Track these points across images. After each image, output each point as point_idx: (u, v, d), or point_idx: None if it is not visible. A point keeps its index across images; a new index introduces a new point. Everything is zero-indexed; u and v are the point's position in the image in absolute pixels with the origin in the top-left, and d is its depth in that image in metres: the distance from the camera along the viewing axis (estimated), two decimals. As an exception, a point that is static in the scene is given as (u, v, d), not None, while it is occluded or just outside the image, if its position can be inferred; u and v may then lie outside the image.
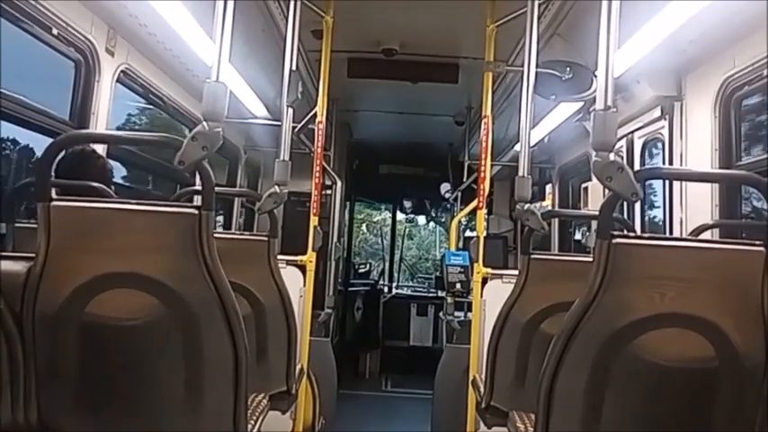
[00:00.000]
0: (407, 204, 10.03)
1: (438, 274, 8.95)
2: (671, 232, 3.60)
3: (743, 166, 3.13)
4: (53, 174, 1.95)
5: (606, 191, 1.69)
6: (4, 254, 1.80)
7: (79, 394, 1.71)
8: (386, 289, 9.39)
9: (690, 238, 2.72)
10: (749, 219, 3.28)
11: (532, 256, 2.64)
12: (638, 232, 3.86)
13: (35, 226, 1.70)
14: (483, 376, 2.80)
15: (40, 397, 1.68)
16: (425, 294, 9.36)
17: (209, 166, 1.74)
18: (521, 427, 2.33)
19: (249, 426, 1.97)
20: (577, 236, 5.92)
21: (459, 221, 6.51)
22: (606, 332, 1.62)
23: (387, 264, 10.19)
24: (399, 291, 9.60)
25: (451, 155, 7.71)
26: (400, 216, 10.79)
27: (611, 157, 1.66)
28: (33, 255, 1.67)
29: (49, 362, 1.68)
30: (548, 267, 2.65)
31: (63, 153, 2.59)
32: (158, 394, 1.73)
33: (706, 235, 2.96)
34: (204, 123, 1.72)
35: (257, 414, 2.26)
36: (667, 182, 3.67)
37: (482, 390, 2.73)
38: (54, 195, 1.72)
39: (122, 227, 1.72)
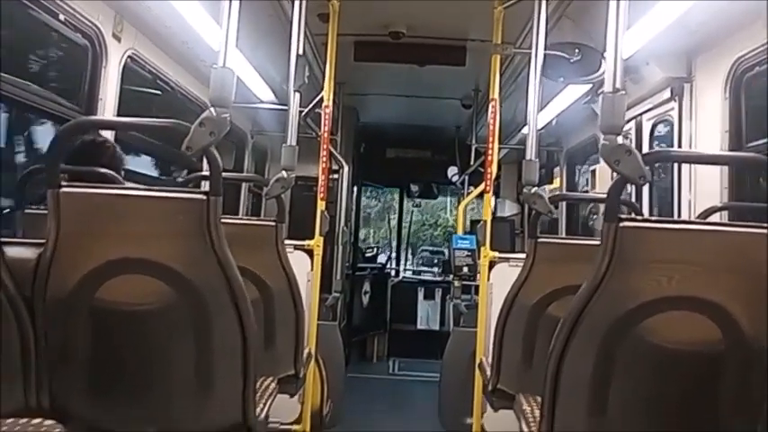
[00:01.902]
0: (414, 188, 10.00)
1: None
2: (679, 215, 3.58)
3: (752, 147, 3.11)
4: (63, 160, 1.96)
5: (614, 174, 1.69)
6: (14, 240, 1.82)
7: (90, 379, 1.74)
8: (393, 273, 9.42)
9: (697, 221, 2.71)
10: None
11: (539, 240, 2.64)
12: (646, 215, 3.85)
13: (45, 212, 1.72)
14: (490, 359, 2.82)
15: (52, 382, 1.71)
16: (433, 278, 9.38)
17: (217, 151, 1.74)
18: (527, 409, 2.34)
19: (258, 409, 1.99)
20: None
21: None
22: (613, 315, 1.62)
23: (394, 247, 10.21)
24: (407, 274, 9.62)
25: (459, 138, 7.67)
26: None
27: (620, 140, 1.65)
28: (43, 241, 1.69)
29: (60, 347, 1.70)
30: (555, 251, 2.65)
31: (73, 140, 2.61)
32: (168, 378, 1.75)
33: (715, 217, 2.95)
34: (211, 109, 1.72)
35: (266, 397, 2.29)
36: (676, 164, 3.65)
37: (489, 373, 2.75)
38: (64, 182, 1.73)
39: (131, 213, 1.73)
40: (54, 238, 1.67)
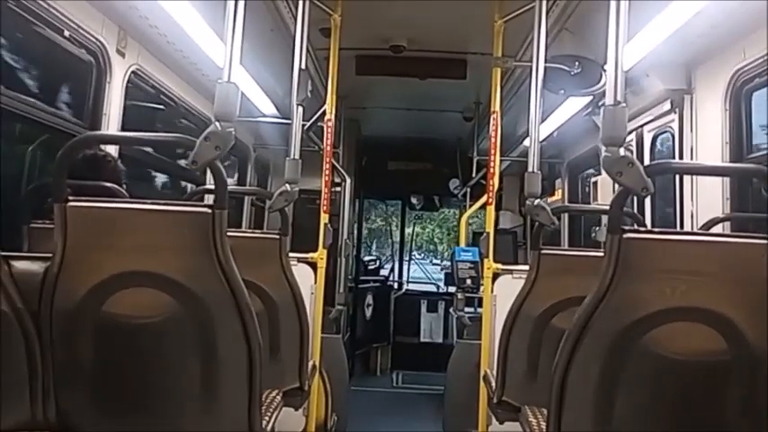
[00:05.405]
0: (416, 201, 10.00)
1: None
2: (682, 226, 3.59)
3: (754, 158, 3.12)
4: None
5: (617, 186, 1.70)
6: (21, 254, 1.83)
7: (96, 392, 1.74)
8: (396, 285, 9.40)
9: (700, 231, 2.71)
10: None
11: (543, 251, 2.64)
12: (649, 227, 3.85)
13: (50, 226, 1.73)
14: (494, 371, 2.81)
15: (59, 395, 1.71)
16: (436, 290, 9.38)
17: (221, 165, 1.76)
18: (533, 421, 2.34)
19: (264, 422, 1.99)
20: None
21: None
22: (618, 327, 1.63)
23: (397, 260, 10.19)
24: (410, 287, 9.61)
25: (460, 150, 7.69)
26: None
27: (622, 151, 1.66)
28: (50, 255, 1.70)
29: (66, 360, 1.71)
30: (558, 262, 2.65)
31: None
32: (174, 391, 1.75)
33: (717, 228, 2.95)
34: (216, 123, 1.74)
35: (271, 410, 2.29)
36: (678, 175, 3.65)
37: (494, 385, 2.74)
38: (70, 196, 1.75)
39: (137, 226, 1.74)
40: (61, 251, 1.69)
